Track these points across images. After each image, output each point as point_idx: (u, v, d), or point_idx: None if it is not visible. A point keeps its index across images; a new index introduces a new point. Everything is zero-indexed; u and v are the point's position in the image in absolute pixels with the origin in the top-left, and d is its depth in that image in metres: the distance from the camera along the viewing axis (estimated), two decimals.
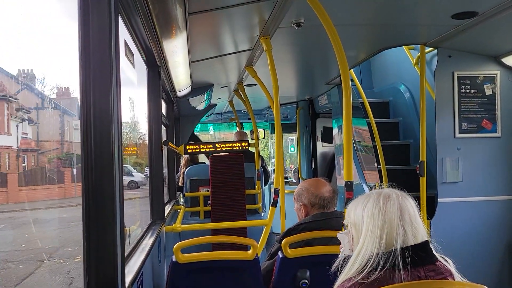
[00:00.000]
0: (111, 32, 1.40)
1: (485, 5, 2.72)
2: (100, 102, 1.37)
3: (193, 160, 6.09)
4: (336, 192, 2.72)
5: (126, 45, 2.34)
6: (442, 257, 1.57)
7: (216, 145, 4.62)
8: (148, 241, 2.41)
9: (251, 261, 2.40)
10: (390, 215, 1.50)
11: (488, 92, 3.70)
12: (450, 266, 1.55)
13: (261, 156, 5.68)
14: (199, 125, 8.74)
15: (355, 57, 3.98)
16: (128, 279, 1.56)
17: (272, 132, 9.72)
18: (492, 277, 3.62)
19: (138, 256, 2.05)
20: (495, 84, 3.71)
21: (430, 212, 3.68)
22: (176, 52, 3.14)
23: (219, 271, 2.41)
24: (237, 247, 3.01)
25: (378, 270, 1.45)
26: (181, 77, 4.04)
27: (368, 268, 1.47)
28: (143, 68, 3.14)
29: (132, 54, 2.52)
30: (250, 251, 2.41)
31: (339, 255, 1.67)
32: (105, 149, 1.36)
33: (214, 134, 10.07)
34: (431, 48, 3.80)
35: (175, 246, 2.33)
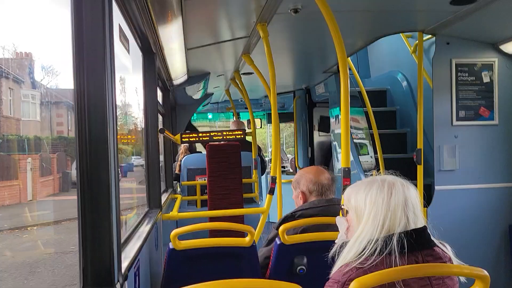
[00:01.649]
0: (105, 16, 1.37)
1: None
2: (94, 88, 1.35)
3: (191, 149, 6.07)
4: (334, 180, 2.72)
5: (121, 30, 2.31)
6: (440, 242, 1.57)
7: (213, 134, 4.61)
8: (145, 228, 2.41)
9: (249, 247, 2.40)
10: (395, 203, 1.50)
11: (486, 79, 3.69)
12: (449, 251, 1.55)
13: (258, 146, 5.67)
14: (195, 115, 8.71)
15: (352, 44, 3.95)
16: (124, 264, 1.55)
17: (269, 121, 9.71)
18: (489, 264, 3.64)
19: (134, 242, 2.04)
20: (492, 71, 3.69)
21: (427, 200, 3.68)
22: (172, 38, 3.11)
23: (216, 258, 2.41)
24: (233, 234, 3.01)
25: (376, 254, 1.45)
26: (177, 65, 4.01)
27: (366, 253, 1.47)
28: (138, 54, 3.11)
29: (127, 40, 2.49)
30: (247, 238, 2.40)
31: (336, 241, 1.66)
32: (100, 135, 1.34)
33: (212, 124, 10.03)
34: (429, 36, 3.78)
35: (172, 233, 2.33)
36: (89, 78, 1.35)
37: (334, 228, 2.40)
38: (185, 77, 4.66)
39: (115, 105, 1.46)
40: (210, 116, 9.42)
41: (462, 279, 1.49)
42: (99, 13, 1.35)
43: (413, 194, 1.55)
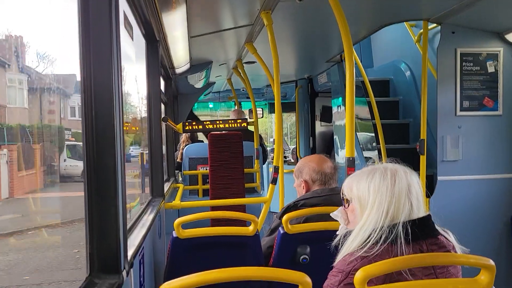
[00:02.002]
0: (111, 3, 1.36)
1: None
2: (101, 76, 1.35)
3: (192, 138, 6.06)
4: (337, 168, 2.71)
5: (125, 17, 2.29)
6: (444, 230, 1.57)
7: (215, 123, 4.59)
8: (149, 217, 2.41)
9: (252, 236, 2.40)
10: (400, 190, 1.51)
11: (491, 69, 3.67)
12: (452, 239, 1.56)
13: (260, 135, 5.67)
14: (196, 104, 8.69)
15: (356, 33, 3.92)
16: (129, 252, 1.55)
17: (270, 111, 9.69)
18: (490, 255, 3.63)
19: (139, 231, 2.04)
20: (497, 61, 3.67)
21: (429, 190, 3.68)
22: (175, 26, 3.09)
23: (219, 247, 2.41)
24: (235, 223, 3.02)
25: (380, 243, 1.45)
26: (180, 53, 3.99)
27: (370, 242, 1.46)
28: (141, 43, 3.09)
29: (131, 27, 2.47)
30: (251, 227, 2.41)
31: (338, 232, 1.66)
32: (106, 123, 1.34)
33: (213, 113, 10.00)
34: (434, 25, 3.75)
35: (175, 222, 2.33)
36: (95, 66, 1.34)
37: None
38: (188, 66, 4.63)
39: (121, 93, 1.46)
40: (211, 105, 9.39)
41: (466, 266, 1.50)
42: (105, 1, 1.34)
43: (416, 181, 1.56)
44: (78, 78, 1.37)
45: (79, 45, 1.33)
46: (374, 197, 1.53)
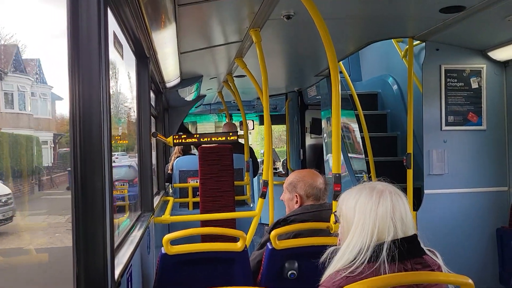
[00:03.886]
0: (100, 25, 1.39)
1: (472, 0, 2.75)
2: (89, 96, 1.37)
3: (185, 151, 6.07)
4: (327, 184, 2.75)
5: (115, 36, 2.32)
6: (430, 250, 1.60)
7: (205, 136, 4.62)
8: (137, 233, 2.42)
9: (240, 252, 2.42)
10: (383, 212, 1.52)
11: (475, 85, 3.75)
12: (438, 259, 1.58)
13: (250, 147, 5.70)
14: (191, 116, 8.73)
15: (344, 49, 4.00)
16: (118, 270, 1.57)
17: (261, 123, 9.74)
18: (476, 267, 3.70)
19: (127, 248, 2.05)
20: (481, 77, 3.76)
21: (417, 203, 3.74)
22: (166, 43, 3.12)
23: (208, 263, 2.43)
24: (226, 238, 3.03)
25: (366, 262, 1.48)
26: (170, 68, 4.02)
27: (357, 261, 1.49)
28: (131, 57, 3.12)
29: (121, 46, 2.51)
30: (239, 243, 2.43)
31: (328, 247, 1.69)
32: (94, 142, 1.35)
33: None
34: (419, 41, 3.83)
35: (164, 238, 2.34)
36: (84, 85, 1.36)
37: (326, 233, 2.45)
38: (178, 80, 4.67)
39: (110, 113, 1.48)
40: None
41: (451, 285, 1.53)
42: (94, 21, 1.37)
43: (402, 202, 1.56)
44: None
45: (68, 65, 1.35)
46: (359, 217, 1.55)
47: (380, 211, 1.52)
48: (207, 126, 9.51)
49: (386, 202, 1.53)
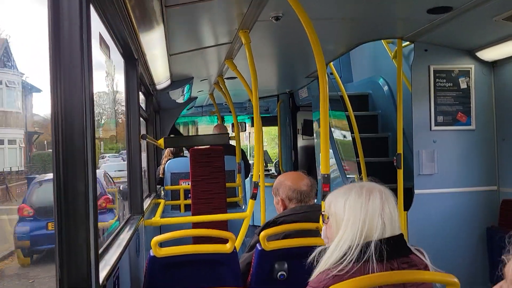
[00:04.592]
0: (82, 23, 1.37)
1: (459, 0, 2.76)
2: (71, 97, 1.35)
3: (176, 153, 6.05)
4: (314, 185, 2.75)
5: (101, 38, 2.31)
6: (417, 249, 1.60)
7: (196, 138, 4.62)
8: (126, 235, 2.40)
9: (229, 254, 2.41)
10: (373, 209, 1.53)
11: (463, 85, 3.77)
12: (425, 259, 1.58)
13: (242, 149, 5.69)
14: (182, 118, 8.69)
15: (333, 50, 4.00)
16: (103, 273, 1.55)
17: (253, 125, 9.73)
18: (466, 266, 3.72)
19: (114, 250, 2.04)
20: (469, 77, 3.78)
21: (408, 203, 3.75)
22: (154, 45, 3.12)
23: (197, 265, 2.42)
24: (217, 240, 3.02)
25: (353, 262, 1.48)
26: (160, 70, 4.01)
27: (346, 260, 1.49)
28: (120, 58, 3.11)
29: (108, 47, 2.49)
30: (228, 244, 2.42)
31: (316, 248, 1.69)
32: (76, 144, 1.34)
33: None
34: (408, 42, 3.85)
35: (152, 240, 2.33)
36: (65, 85, 1.34)
37: (315, 234, 2.45)
38: (169, 82, 4.66)
39: (93, 113, 1.47)
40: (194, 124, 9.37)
41: (438, 284, 1.53)
42: (76, 18, 1.35)
43: (391, 200, 1.58)
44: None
45: (49, 65, 1.33)
46: (348, 215, 1.56)
47: (370, 208, 1.53)
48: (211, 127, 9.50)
49: (376, 200, 1.55)
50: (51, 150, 1.32)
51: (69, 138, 1.32)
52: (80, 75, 1.36)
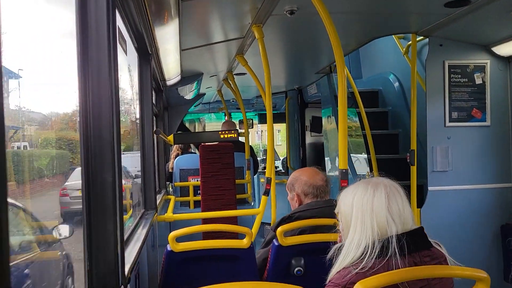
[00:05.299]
0: (109, 23, 1.38)
1: None
2: (99, 92, 1.35)
3: (185, 149, 6.04)
4: (329, 181, 2.73)
5: (120, 32, 2.29)
6: (435, 242, 1.59)
7: (206, 134, 4.60)
8: (142, 231, 2.40)
9: (247, 249, 2.40)
10: (378, 204, 1.51)
11: (478, 81, 3.73)
12: (443, 250, 1.57)
13: (250, 146, 5.68)
14: (189, 115, 8.69)
15: (345, 46, 3.96)
16: (127, 267, 1.54)
17: (260, 122, 9.71)
18: (480, 264, 3.65)
19: (133, 245, 2.03)
20: (485, 73, 3.74)
21: (420, 200, 3.72)
22: (168, 39, 3.10)
23: (214, 260, 2.41)
24: (227, 236, 3.01)
25: (374, 258, 1.46)
26: (171, 65, 3.99)
27: (366, 256, 1.47)
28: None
29: (125, 41, 2.48)
30: (245, 240, 2.41)
31: (333, 244, 1.67)
32: (104, 137, 1.34)
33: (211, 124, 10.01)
34: (422, 37, 3.81)
35: (170, 235, 2.32)
36: (93, 83, 1.35)
37: (331, 229, 2.43)
38: (179, 78, 4.64)
39: (118, 109, 1.46)
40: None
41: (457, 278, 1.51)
42: (103, 20, 1.35)
43: (398, 195, 1.55)
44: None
45: (77, 62, 1.33)
46: (356, 211, 1.55)
47: (375, 203, 1.52)
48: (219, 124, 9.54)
49: (381, 195, 1.53)
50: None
51: (97, 131, 1.32)
52: (108, 70, 1.36)
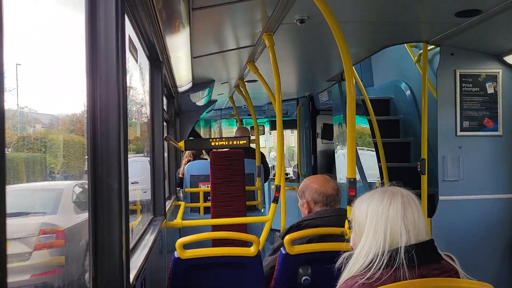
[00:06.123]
0: (118, 29, 1.40)
1: (488, 3, 2.71)
2: (106, 98, 1.37)
3: (197, 155, 6.07)
4: (340, 190, 2.72)
5: (130, 40, 2.33)
6: (447, 255, 1.57)
7: (217, 141, 4.61)
8: (150, 237, 2.41)
9: (254, 257, 2.40)
10: (394, 214, 1.50)
11: (490, 90, 3.70)
12: (456, 264, 1.55)
13: (262, 152, 5.68)
14: (201, 121, 8.74)
15: (357, 54, 3.97)
16: (132, 273, 1.55)
17: (271, 128, 9.72)
18: (492, 275, 3.63)
19: (140, 251, 2.05)
20: (497, 82, 3.70)
21: (431, 209, 3.68)
22: (179, 47, 3.13)
23: (221, 267, 2.41)
24: (237, 243, 3.01)
25: (382, 268, 1.45)
26: (182, 72, 4.03)
27: (373, 266, 1.46)
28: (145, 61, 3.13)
29: (136, 50, 2.51)
30: (252, 248, 2.41)
31: (342, 253, 1.66)
32: (111, 142, 1.36)
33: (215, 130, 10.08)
34: (433, 46, 3.80)
35: (177, 242, 2.33)
36: (101, 88, 1.37)
37: (340, 238, 2.42)
38: (190, 85, 4.68)
39: (126, 115, 1.48)
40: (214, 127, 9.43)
41: None
42: (112, 26, 1.38)
43: (414, 205, 1.53)
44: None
45: (85, 70, 1.36)
46: (370, 221, 1.53)
47: (391, 212, 1.50)
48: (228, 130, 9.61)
49: (397, 204, 1.51)
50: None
51: (104, 136, 1.33)
52: (116, 75, 1.37)
